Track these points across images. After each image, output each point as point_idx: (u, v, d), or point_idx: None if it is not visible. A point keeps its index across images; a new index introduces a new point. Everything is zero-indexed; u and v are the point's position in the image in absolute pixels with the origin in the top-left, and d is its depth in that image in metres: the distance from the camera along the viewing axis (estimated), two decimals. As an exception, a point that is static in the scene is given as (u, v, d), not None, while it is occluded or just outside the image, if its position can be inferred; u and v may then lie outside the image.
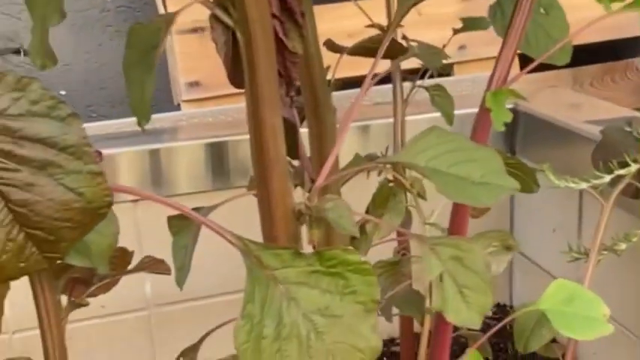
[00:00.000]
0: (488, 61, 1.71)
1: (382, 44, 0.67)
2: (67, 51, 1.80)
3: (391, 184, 0.80)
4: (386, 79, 0.87)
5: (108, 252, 0.45)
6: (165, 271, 0.53)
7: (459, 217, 0.61)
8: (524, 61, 1.72)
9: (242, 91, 1.61)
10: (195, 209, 0.76)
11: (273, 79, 0.48)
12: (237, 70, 0.49)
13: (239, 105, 1.51)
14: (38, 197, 0.39)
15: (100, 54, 1.84)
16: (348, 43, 0.80)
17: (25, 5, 0.43)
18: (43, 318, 0.47)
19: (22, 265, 0.41)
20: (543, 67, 0.77)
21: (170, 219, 0.74)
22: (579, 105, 1.31)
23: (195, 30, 1.69)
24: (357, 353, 0.44)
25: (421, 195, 0.77)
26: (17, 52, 1.58)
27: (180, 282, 0.73)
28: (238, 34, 0.47)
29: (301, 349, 0.43)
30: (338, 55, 0.79)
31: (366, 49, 0.78)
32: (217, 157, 1.23)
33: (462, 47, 1.78)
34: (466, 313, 0.48)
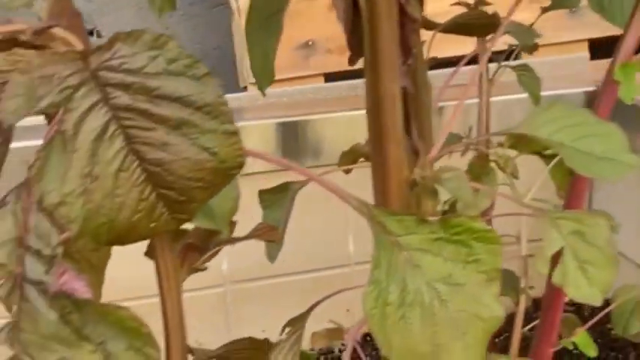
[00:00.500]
0: (555, 47, 1.68)
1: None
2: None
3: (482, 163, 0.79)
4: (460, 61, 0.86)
5: (230, 215, 0.45)
6: (277, 239, 0.52)
7: (576, 192, 0.60)
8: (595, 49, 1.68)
9: (310, 73, 1.62)
10: (284, 185, 0.76)
11: (394, 45, 0.47)
12: (357, 38, 0.49)
13: (311, 85, 1.51)
14: (173, 156, 0.40)
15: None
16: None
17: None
18: (163, 281, 0.47)
19: (152, 225, 0.41)
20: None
21: (262, 193, 0.74)
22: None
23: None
24: (479, 322, 0.43)
25: (514, 174, 0.75)
26: (90, 33, 1.60)
27: (272, 256, 0.73)
28: (361, 1, 0.47)
29: (424, 317, 0.43)
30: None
31: (460, 26, 0.77)
32: (288, 136, 1.23)
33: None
34: (587, 289, 0.47)
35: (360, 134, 1.27)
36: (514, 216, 0.76)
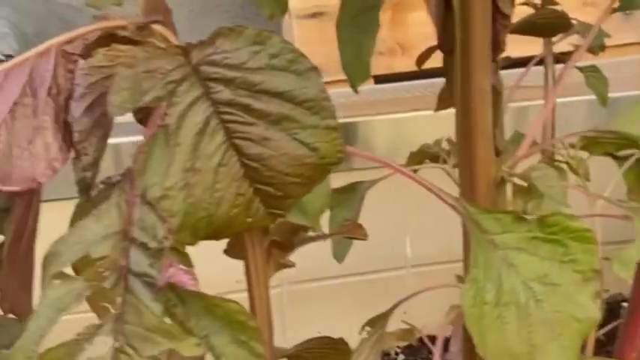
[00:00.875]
0: (610, 49, 1.65)
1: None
2: (184, 35, 1.82)
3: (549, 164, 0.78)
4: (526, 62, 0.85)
5: (321, 211, 0.45)
6: (363, 236, 0.52)
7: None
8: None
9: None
10: (353, 184, 0.76)
11: (487, 42, 0.47)
12: (447, 34, 0.48)
13: (363, 87, 1.51)
14: (272, 152, 0.40)
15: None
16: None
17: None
18: (252, 277, 0.47)
19: (248, 220, 0.41)
20: None
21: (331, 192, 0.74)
22: None
23: (314, 15, 1.69)
24: (575, 323, 0.43)
25: (586, 176, 0.74)
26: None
27: (339, 257, 0.73)
28: (453, -4, 0.47)
29: (520, 317, 0.42)
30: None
31: (530, 25, 0.76)
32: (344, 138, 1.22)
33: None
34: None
35: (410, 135, 1.27)
36: (587, 218, 0.74)
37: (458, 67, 0.48)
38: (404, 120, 1.24)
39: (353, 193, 0.73)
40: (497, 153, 0.53)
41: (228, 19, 1.87)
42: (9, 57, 1.25)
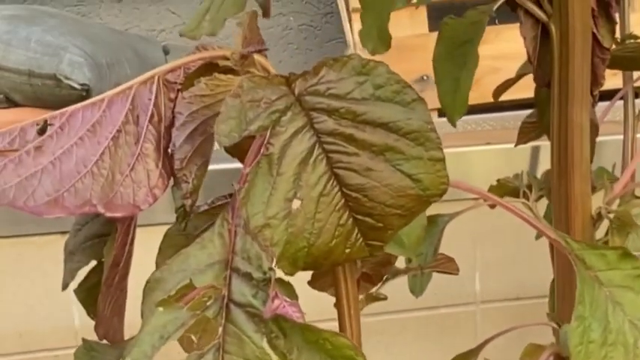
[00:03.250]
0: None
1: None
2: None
3: None
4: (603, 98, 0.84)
5: (418, 243, 0.44)
6: (455, 270, 0.51)
7: None
8: None
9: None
10: (433, 217, 0.75)
11: (586, 76, 0.46)
12: (544, 67, 0.48)
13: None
14: (375, 182, 0.39)
15: (280, 70, 1.87)
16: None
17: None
18: (344, 309, 0.46)
19: (347, 251, 0.41)
20: None
21: (409, 225, 0.73)
22: None
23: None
24: (683, 366, 0.41)
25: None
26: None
27: (416, 291, 0.72)
28: (552, 29, 0.46)
29: (627, 358, 0.41)
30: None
31: (614, 59, 0.75)
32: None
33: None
34: None
35: (476, 169, 1.25)
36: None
37: (555, 101, 0.47)
38: (473, 153, 1.23)
39: (433, 225, 0.72)
40: (593, 189, 0.52)
41: (289, 50, 1.88)
42: (83, 86, 1.28)
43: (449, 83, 0.45)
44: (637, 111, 0.91)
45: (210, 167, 0.43)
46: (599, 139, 1.16)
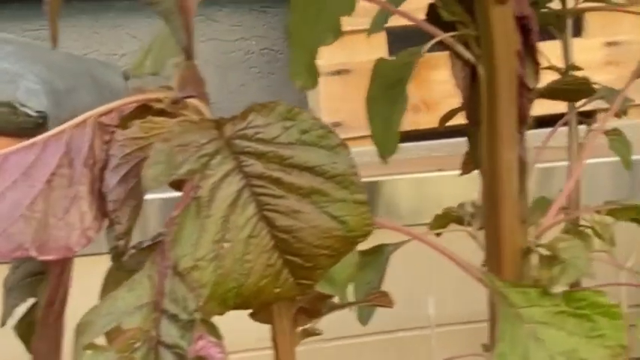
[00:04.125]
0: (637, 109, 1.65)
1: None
2: (212, 90, 1.86)
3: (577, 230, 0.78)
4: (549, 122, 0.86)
5: (348, 281, 0.46)
6: (389, 304, 0.53)
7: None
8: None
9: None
10: (378, 247, 0.76)
11: (512, 115, 0.48)
12: (474, 106, 0.49)
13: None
14: (302, 224, 0.40)
15: (243, 94, 1.89)
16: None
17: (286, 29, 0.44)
18: (280, 344, 0.47)
19: (277, 290, 0.42)
20: None
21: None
22: None
23: (339, 72, 1.72)
24: (603, 399, 0.42)
25: (612, 242, 0.74)
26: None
27: (364, 320, 0.73)
28: (480, 70, 0.47)
29: (548, 392, 0.42)
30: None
31: (554, 91, 0.77)
32: (368, 196, 1.23)
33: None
34: None
35: (434, 195, 1.27)
36: (612, 286, 0.74)
37: (484, 138, 0.48)
38: (428, 180, 1.25)
39: (378, 255, 0.73)
40: (523, 222, 0.54)
41: (252, 74, 1.90)
42: (40, 113, 1.28)
43: (381, 123, 0.47)
44: (582, 139, 0.94)
45: (168, 196, 0.43)
46: (546, 165, 1.19)
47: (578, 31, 1.76)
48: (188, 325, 0.37)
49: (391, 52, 1.66)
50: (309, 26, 0.41)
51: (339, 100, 1.73)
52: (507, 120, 0.47)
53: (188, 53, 0.38)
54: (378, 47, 1.63)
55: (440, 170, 1.17)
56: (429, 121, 1.55)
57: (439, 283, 1.15)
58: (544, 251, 0.50)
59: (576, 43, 1.70)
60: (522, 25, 0.47)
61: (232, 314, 0.52)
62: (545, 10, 0.84)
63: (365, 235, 0.41)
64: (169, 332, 0.38)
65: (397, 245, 0.74)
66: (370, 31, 0.63)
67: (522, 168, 0.50)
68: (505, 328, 0.42)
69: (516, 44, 0.47)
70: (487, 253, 0.51)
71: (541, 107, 0.90)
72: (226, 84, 1.88)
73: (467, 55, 0.47)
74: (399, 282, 1.16)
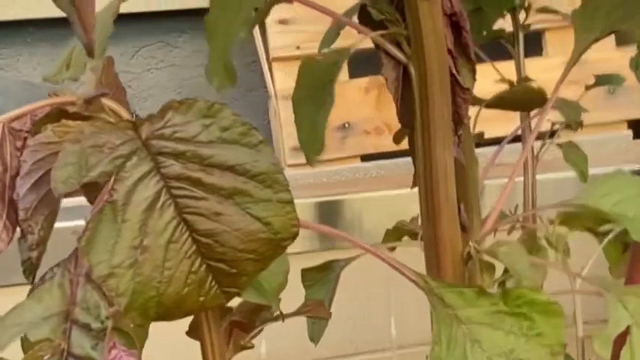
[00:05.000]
0: (594, 127, 1.66)
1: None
2: (172, 118, 1.83)
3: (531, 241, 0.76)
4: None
5: (280, 290, 0.44)
6: (325, 315, 0.51)
7: (638, 266, 0.57)
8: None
9: (345, 155, 1.60)
10: (328, 263, 0.75)
11: (447, 116, 0.46)
12: (407, 108, 0.48)
13: (349, 165, 1.51)
14: (224, 227, 0.38)
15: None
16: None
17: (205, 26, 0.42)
18: (209, 358, 0.45)
19: (201, 299, 0.39)
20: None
21: (305, 271, 0.72)
22: None
23: (300, 96, 1.71)
24: (545, 401, 0.41)
25: (566, 252, 0.73)
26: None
27: (315, 338, 0.71)
28: (411, 70, 0.46)
29: (488, 396, 0.40)
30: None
31: (505, 101, 0.76)
32: (327, 216, 1.22)
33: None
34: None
35: (397, 213, 1.25)
36: (567, 296, 0.73)
37: (419, 141, 0.47)
38: (389, 197, 1.23)
39: (328, 271, 0.71)
40: (464, 229, 0.52)
41: (213, 99, 1.88)
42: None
43: (307, 125, 0.45)
44: (536, 152, 0.93)
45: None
46: (503, 181, 1.17)
47: (538, 51, 1.77)
48: (100, 334, 0.35)
49: (351, 74, 1.65)
50: (226, 23, 0.39)
51: (301, 123, 1.71)
52: (441, 121, 0.46)
53: (88, 49, 0.36)
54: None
55: (401, 188, 1.16)
56: (392, 144, 1.54)
57: (399, 302, 1.13)
58: (485, 257, 0.48)
59: (537, 63, 1.71)
60: (453, 22, 0.46)
61: (170, 334, 0.50)
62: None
63: (292, 237, 0.39)
64: (80, 343, 0.35)
65: (348, 261, 0.72)
66: (320, 47, 0.62)
67: (461, 172, 0.49)
68: (441, 331, 0.40)
69: (448, 42, 0.46)
70: (426, 262, 0.49)
71: (499, 127, 0.90)
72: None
73: (397, 54, 0.46)
74: (359, 302, 1.15)
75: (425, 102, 0.46)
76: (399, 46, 0.47)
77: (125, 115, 0.42)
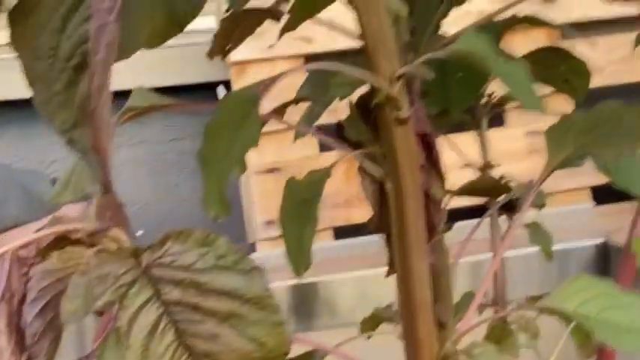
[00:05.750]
0: (557, 195, 1.71)
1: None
2: (145, 192, 1.87)
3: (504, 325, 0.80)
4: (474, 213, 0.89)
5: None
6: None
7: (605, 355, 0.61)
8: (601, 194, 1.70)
9: (320, 228, 1.60)
10: (307, 354, 0.77)
11: (420, 227, 0.50)
12: (384, 218, 0.51)
13: (322, 244, 1.54)
14: (222, 347, 0.41)
15: (176, 194, 1.90)
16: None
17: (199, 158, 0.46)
18: None
19: (199, 414, 0.42)
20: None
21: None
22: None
23: (271, 171, 1.75)
24: None
25: (535, 336, 0.77)
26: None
27: None
28: (388, 185, 0.50)
29: None
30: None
31: (471, 190, 0.80)
32: (301, 299, 1.24)
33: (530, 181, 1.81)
34: None
35: (372, 293, 1.28)
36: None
37: (396, 249, 0.50)
38: (363, 278, 1.26)
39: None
40: (443, 326, 0.56)
41: (185, 173, 1.91)
42: (-33, 228, 1.26)
43: (294, 241, 0.48)
44: (503, 232, 0.97)
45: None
46: (474, 258, 1.21)
47: (500, 122, 1.82)
48: None
49: (322, 148, 1.69)
50: (219, 157, 0.43)
51: (272, 197, 1.74)
52: (415, 232, 0.49)
53: (106, 188, 0.39)
54: (309, 145, 1.67)
55: (374, 267, 1.19)
56: (363, 216, 1.57)
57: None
58: (463, 357, 0.51)
59: (498, 133, 1.77)
60: (424, 142, 0.50)
61: None
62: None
63: (284, 355, 0.42)
64: None
65: (325, 352, 0.75)
66: (296, 136, 0.66)
67: (436, 275, 0.52)
68: None
69: (420, 159, 0.50)
70: (406, 357, 0.52)
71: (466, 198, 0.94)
72: (160, 185, 1.89)
73: (375, 171, 0.50)
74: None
75: (400, 214, 0.49)
76: (375, 162, 0.51)
77: (125, 239, 0.45)
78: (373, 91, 0.48)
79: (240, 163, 0.41)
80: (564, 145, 0.58)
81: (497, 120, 1.79)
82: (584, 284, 0.50)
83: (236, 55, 1.68)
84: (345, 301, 1.26)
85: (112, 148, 0.44)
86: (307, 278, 1.25)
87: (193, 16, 0.57)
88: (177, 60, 1.83)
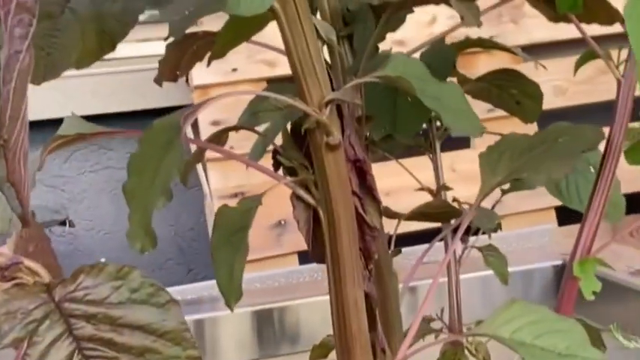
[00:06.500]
0: (521, 216, 1.71)
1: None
2: (108, 219, 1.84)
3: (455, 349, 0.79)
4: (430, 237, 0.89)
5: None
6: None
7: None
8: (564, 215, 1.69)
9: (282, 252, 1.62)
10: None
11: (354, 254, 0.49)
12: (318, 246, 0.50)
13: (285, 269, 1.52)
14: (137, 385, 0.39)
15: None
16: (386, 201, 0.82)
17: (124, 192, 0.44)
18: None
19: None
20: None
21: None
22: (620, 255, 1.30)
23: (235, 195, 1.73)
24: None
25: (487, 359, 0.75)
26: (63, 223, 1.62)
27: None
28: (320, 213, 0.49)
29: None
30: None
31: (424, 215, 0.79)
32: (264, 324, 1.23)
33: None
34: None
35: (328, 318, 1.26)
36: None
37: (330, 277, 0.49)
38: (325, 302, 1.25)
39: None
40: (384, 351, 0.54)
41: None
42: None
43: (225, 270, 0.47)
44: (458, 255, 0.96)
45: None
46: (426, 282, 1.20)
47: (466, 143, 1.83)
48: None
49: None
50: (144, 189, 0.42)
51: (236, 222, 1.73)
52: (350, 258, 0.48)
53: (24, 221, 0.38)
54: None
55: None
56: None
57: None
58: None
59: (465, 154, 1.76)
60: (358, 167, 0.49)
61: None
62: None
63: (201, 391, 0.40)
64: None
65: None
66: (250, 157, 0.64)
67: (386, 297, 0.51)
68: None
69: (353, 186, 0.49)
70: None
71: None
72: (123, 211, 1.85)
73: (307, 198, 0.49)
74: None
75: (334, 241, 0.48)
76: (308, 190, 0.50)
77: (43, 273, 0.43)
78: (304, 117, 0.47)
79: (165, 193, 0.39)
80: (497, 170, 0.58)
81: (464, 142, 1.79)
82: (520, 310, 0.49)
83: (199, 78, 1.67)
84: (308, 326, 1.24)
85: (30, 179, 0.42)
86: (269, 304, 1.24)
87: (124, 35, 0.56)
88: (142, 85, 1.81)
